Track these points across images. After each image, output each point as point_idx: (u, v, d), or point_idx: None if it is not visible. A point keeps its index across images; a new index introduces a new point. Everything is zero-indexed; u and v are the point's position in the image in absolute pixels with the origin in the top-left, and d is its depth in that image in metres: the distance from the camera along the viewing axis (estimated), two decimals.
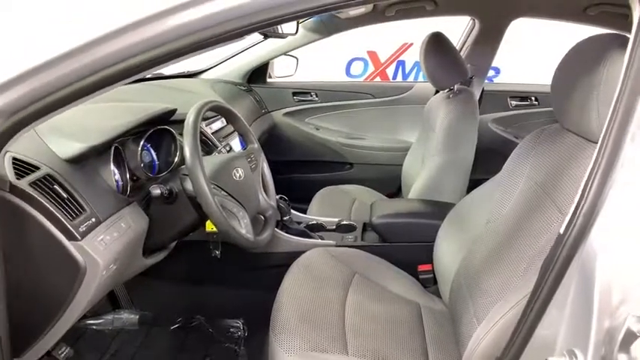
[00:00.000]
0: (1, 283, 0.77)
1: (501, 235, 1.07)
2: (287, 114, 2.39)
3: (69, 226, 0.86)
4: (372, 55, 4.52)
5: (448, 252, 1.30)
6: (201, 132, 1.38)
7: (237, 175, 1.17)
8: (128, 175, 1.13)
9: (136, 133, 1.19)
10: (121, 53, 0.68)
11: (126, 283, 1.56)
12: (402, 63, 4.43)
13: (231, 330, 1.55)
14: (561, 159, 0.98)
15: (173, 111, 1.27)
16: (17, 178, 0.83)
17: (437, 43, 1.67)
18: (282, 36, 1.68)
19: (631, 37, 0.63)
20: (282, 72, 2.48)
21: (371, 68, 4.53)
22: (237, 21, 0.68)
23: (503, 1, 1.82)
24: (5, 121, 0.72)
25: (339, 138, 2.38)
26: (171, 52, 0.69)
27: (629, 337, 0.59)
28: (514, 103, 2.19)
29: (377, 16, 1.90)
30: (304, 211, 1.81)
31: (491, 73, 3.53)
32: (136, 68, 0.69)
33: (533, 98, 2.17)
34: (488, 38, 2.01)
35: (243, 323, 1.56)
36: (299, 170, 2.39)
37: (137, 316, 1.52)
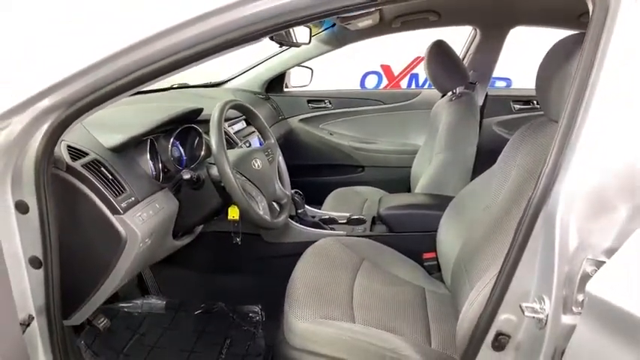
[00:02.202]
0: (55, 250, 0.92)
1: (495, 219, 1.17)
2: (302, 120, 2.55)
3: (113, 201, 1.01)
4: (386, 68, 4.66)
5: (449, 239, 1.40)
6: (224, 132, 1.53)
7: (256, 164, 1.31)
8: (160, 166, 1.29)
9: (166, 130, 1.35)
10: (162, 52, 0.83)
11: (154, 271, 1.71)
12: (415, 76, 4.56)
13: (250, 315, 1.68)
14: (546, 146, 1.09)
15: (199, 110, 1.43)
16: (72, 161, 0.99)
17: (439, 49, 1.80)
18: (297, 45, 1.83)
19: (587, 32, 0.76)
20: (298, 82, 2.63)
21: (385, 81, 4.68)
22: (258, 24, 0.82)
23: (502, 11, 1.94)
24: (65, 110, 0.88)
25: (352, 142, 2.51)
26: (204, 50, 0.83)
27: (585, 278, 0.70)
28: (517, 107, 2.29)
29: (384, 27, 2.05)
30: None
31: (502, 84, 3.63)
32: (177, 64, 0.84)
33: (535, 102, 2.27)
34: (489, 46, 2.13)
35: (260, 309, 1.69)
36: (313, 173, 2.52)
37: (164, 302, 1.67)
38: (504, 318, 0.81)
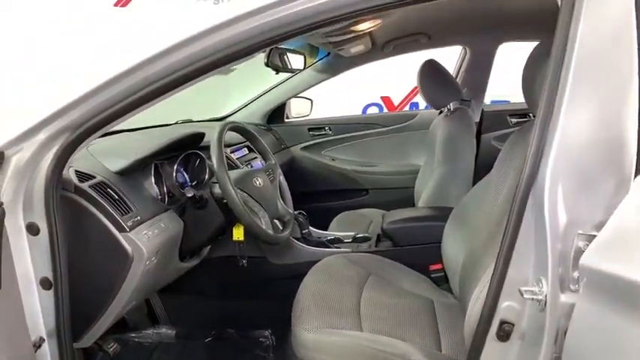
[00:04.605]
0: (65, 271, 0.95)
1: (496, 221, 1.18)
2: (304, 148, 2.60)
3: (120, 220, 1.05)
4: (386, 99, 4.79)
5: (454, 247, 1.40)
6: (226, 156, 1.58)
7: (258, 182, 1.35)
8: (165, 190, 1.34)
9: (171, 157, 1.40)
10: (166, 70, 0.88)
11: (163, 300, 1.71)
12: (415, 105, 4.67)
13: (261, 340, 1.66)
14: None
15: (201, 135, 1.49)
16: (79, 183, 1.04)
17: (430, 67, 1.88)
18: (292, 71, 1.91)
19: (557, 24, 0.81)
20: (299, 113, 2.72)
21: (385, 111, 4.78)
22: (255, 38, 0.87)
23: (489, 29, 2.02)
24: (72, 134, 0.93)
25: (354, 166, 2.55)
26: (208, 65, 0.87)
27: (579, 253, 0.71)
28: (514, 120, 2.34)
29: (377, 53, 2.13)
30: None
31: None
32: (180, 80, 0.89)
33: (531, 115, 2.31)
34: (480, 63, 2.20)
35: (270, 333, 1.67)
36: (318, 200, 2.55)
37: (174, 331, 1.66)
38: (506, 305, 0.81)
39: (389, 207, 2.28)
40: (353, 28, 1.56)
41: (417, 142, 2.46)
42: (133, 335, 1.59)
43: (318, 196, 2.55)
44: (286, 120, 2.64)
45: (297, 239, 1.69)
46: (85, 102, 0.90)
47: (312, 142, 2.61)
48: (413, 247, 1.63)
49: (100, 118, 0.91)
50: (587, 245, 0.70)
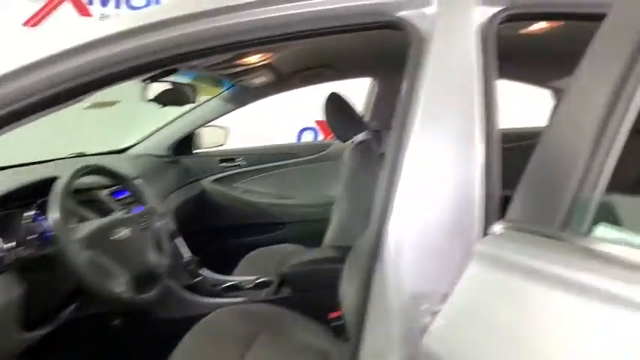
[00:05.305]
0: None
1: None
2: (215, 181, 2.44)
3: None
4: (321, 124, 4.75)
5: (350, 293, 1.30)
6: (99, 199, 1.40)
7: (118, 235, 1.18)
8: (12, 245, 1.13)
9: (26, 204, 1.20)
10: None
11: None
12: None
13: None
14: None
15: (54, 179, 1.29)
16: None
17: (334, 101, 1.81)
18: (180, 104, 1.78)
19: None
20: (214, 142, 2.55)
21: (321, 136, 4.74)
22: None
23: (393, 62, 1.99)
24: None
25: (269, 199, 2.43)
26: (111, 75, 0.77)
27: (424, 330, 0.62)
28: None
29: (284, 84, 2.05)
30: None
31: None
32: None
33: None
34: (388, 94, 2.18)
35: None
36: (231, 236, 2.39)
37: None
38: None
39: (307, 241, 2.16)
40: (241, 62, 1.45)
41: (332, 172, 2.38)
42: None
43: (230, 232, 2.39)
44: (195, 151, 2.47)
45: (188, 287, 1.53)
46: None
47: (223, 175, 2.46)
48: (312, 293, 1.51)
49: None
50: (431, 322, 0.61)
